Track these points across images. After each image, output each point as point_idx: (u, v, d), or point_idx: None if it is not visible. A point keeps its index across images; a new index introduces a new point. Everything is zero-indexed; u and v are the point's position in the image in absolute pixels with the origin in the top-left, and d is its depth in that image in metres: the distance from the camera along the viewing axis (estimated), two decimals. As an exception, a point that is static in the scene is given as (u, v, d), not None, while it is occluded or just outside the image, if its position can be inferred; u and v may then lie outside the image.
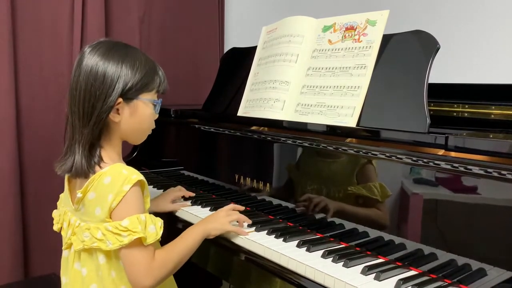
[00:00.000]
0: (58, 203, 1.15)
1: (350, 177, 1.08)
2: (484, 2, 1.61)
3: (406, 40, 1.14)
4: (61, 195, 1.14)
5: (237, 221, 1.16)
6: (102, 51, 1.01)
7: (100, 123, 0.99)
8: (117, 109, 1.01)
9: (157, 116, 1.11)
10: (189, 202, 1.40)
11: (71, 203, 1.06)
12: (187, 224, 1.27)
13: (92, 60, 0.99)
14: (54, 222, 1.13)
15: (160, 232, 1.01)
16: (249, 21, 2.37)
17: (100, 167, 1.00)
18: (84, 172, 0.99)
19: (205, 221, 1.13)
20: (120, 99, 1.00)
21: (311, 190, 1.17)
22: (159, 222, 1.02)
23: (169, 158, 1.78)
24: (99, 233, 0.97)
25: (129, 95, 1.01)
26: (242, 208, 1.20)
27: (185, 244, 1.05)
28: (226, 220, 1.13)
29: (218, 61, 2.12)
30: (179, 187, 1.44)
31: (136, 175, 0.99)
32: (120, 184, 0.97)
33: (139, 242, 0.97)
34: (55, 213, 1.14)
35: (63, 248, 1.09)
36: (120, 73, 1.00)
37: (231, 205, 1.19)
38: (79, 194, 1.00)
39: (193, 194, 1.42)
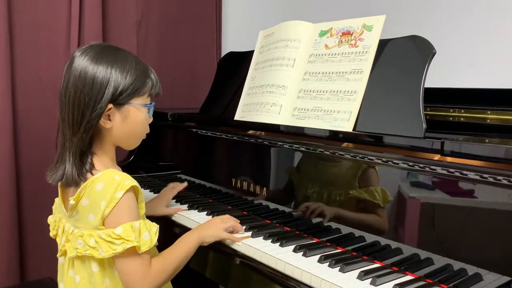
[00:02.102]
0: (53, 207, 1.13)
1: (348, 182, 1.08)
2: (480, 7, 1.62)
3: (403, 45, 1.14)
4: (56, 199, 1.12)
5: (232, 230, 1.16)
6: (91, 55, 0.98)
7: (90, 130, 0.97)
8: (108, 115, 0.99)
9: (151, 120, 1.09)
10: (185, 206, 1.40)
11: (65, 210, 1.05)
12: (183, 229, 1.27)
13: (81, 65, 0.97)
14: (50, 228, 1.12)
15: (155, 238, 0.99)
16: (247, 25, 2.37)
17: (92, 174, 0.98)
18: (75, 181, 0.97)
19: (200, 228, 1.13)
20: (111, 105, 0.98)
21: (308, 194, 1.17)
22: (154, 227, 1.01)
23: (166, 162, 1.78)
24: (92, 240, 0.96)
25: (119, 100, 0.99)
26: (238, 220, 1.19)
27: (180, 252, 1.05)
28: (221, 227, 1.12)
29: (215, 65, 2.12)
30: (171, 184, 1.43)
31: (129, 181, 0.97)
32: (113, 191, 0.95)
33: (133, 250, 0.96)
34: (50, 219, 1.13)
35: (58, 255, 1.08)
36: (110, 78, 0.97)
37: (227, 215, 1.19)
38: (71, 201, 0.98)
39: (185, 184, 1.43)
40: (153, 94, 1.06)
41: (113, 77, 0.97)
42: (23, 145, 1.79)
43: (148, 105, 1.05)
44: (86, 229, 0.98)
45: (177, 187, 1.43)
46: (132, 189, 0.98)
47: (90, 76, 0.96)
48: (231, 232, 1.15)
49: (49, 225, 1.13)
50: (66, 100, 0.98)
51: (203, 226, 1.13)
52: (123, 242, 0.94)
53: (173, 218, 1.35)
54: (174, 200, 1.44)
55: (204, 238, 1.09)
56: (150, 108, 1.06)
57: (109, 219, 0.95)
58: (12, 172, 1.71)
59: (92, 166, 0.99)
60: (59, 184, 1.07)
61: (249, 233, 1.16)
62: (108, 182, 0.96)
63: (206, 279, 1.27)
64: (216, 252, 1.16)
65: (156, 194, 1.52)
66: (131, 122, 1.02)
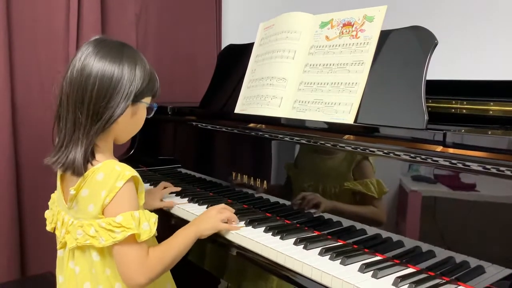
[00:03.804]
0: (49, 203, 1.14)
1: (347, 174, 1.08)
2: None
3: (404, 36, 1.13)
4: (53, 195, 1.13)
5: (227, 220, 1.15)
6: (114, 53, 1.00)
7: (111, 124, 0.99)
8: None
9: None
10: (185, 200, 1.39)
11: (64, 202, 1.05)
12: (184, 223, 1.26)
13: (104, 62, 0.99)
14: (47, 222, 1.12)
15: (154, 228, 1.00)
16: (247, 17, 2.35)
17: (92, 164, 0.99)
18: (79, 171, 0.98)
19: (197, 221, 1.13)
20: (130, 102, 1.01)
21: (309, 187, 1.16)
22: (153, 218, 1.01)
23: (166, 156, 1.78)
24: (92, 229, 0.97)
25: (136, 98, 1.02)
26: (233, 210, 1.19)
27: (178, 245, 1.05)
28: (218, 219, 1.13)
29: (215, 58, 2.10)
30: (162, 183, 1.45)
31: (129, 171, 0.99)
32: (114, 181, 0.96)
33: (132, 239, 0.96)
34: (47, 214, 1.14)
35: (57, 248, 1.08)
36: (135, 77, 1.01)
37: (222, 205, 1.19)
38: (72, 191, 0.99)
39: (178, 189, 1.44)
40: (156, 95, 1.11)
41: (138, 76, 1.02)
42: (22, 140, 1.78)
43: (154, 105, 1.10)
44: (85, 219, 0.99)
45: (170, 188, 1.44)
46: (133, 179, 1.00)
47: (118, 74, 0.99)
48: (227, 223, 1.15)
49: (46, 219, 1.13)
50: (88, 92, 0.97)
51: (200, 220, 1.13)
52: (124, 230, 0.94)
53: (173, 211, 1.34)
54: (174, 194, 1.44)
55: (202, 232, 1.10)
56: (154, 108, 1.11)
57: (109, 208, 0.96)
58: (11, 168, 1.71)
59: (93, 157, 1.00)
60: (58, 175, 1.08)
61: (249, 226, 1.15)
62: (109, 172, 0.97)
63: (207, 272, 1.27)
64: (215, 245, 1.15)
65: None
66: (137, 119, 1.07)
